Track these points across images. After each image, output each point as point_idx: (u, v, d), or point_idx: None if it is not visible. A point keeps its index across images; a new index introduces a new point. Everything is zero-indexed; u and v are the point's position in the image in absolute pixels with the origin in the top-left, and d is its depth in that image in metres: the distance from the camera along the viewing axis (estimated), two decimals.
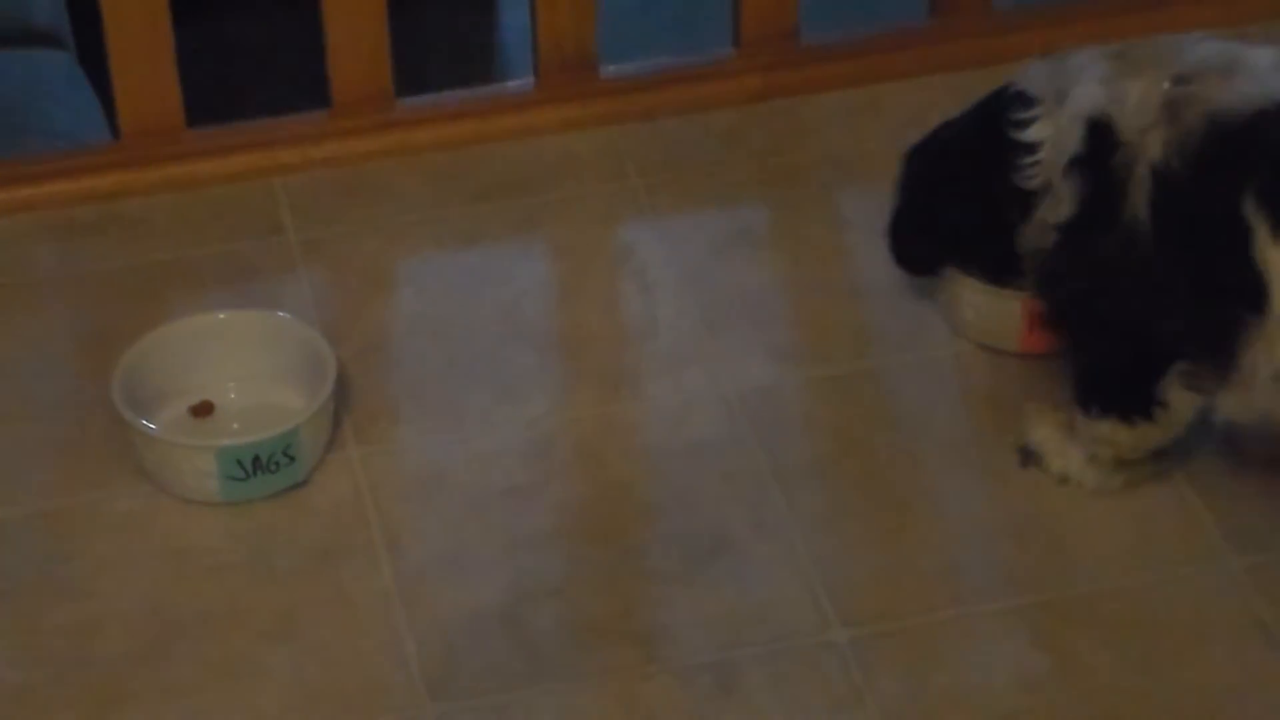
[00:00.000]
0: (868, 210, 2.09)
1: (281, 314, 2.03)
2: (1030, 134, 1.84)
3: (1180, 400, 1.84)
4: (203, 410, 1.97)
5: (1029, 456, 1.94)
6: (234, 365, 1.99)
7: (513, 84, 2.40)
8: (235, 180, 2.25)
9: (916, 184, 1.99)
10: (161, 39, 2.24)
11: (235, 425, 1.96)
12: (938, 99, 2.30)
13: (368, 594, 1.84)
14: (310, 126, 2.29)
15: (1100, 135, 1.79)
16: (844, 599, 1.83)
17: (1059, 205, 1.82)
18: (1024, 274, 1.92)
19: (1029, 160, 1.84)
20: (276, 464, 1.89)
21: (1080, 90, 1.82)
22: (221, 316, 2.01)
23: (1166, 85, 1.78)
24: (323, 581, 1.85)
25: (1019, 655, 1.78)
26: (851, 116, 2.31)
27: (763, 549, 1.87)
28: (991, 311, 2.02)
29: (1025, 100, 1.86)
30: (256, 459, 1.88)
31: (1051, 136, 1.83)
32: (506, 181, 2.26)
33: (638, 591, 1.84)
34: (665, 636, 1.80)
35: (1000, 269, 1.96)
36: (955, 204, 1.96)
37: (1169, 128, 1.76)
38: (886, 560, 1.87)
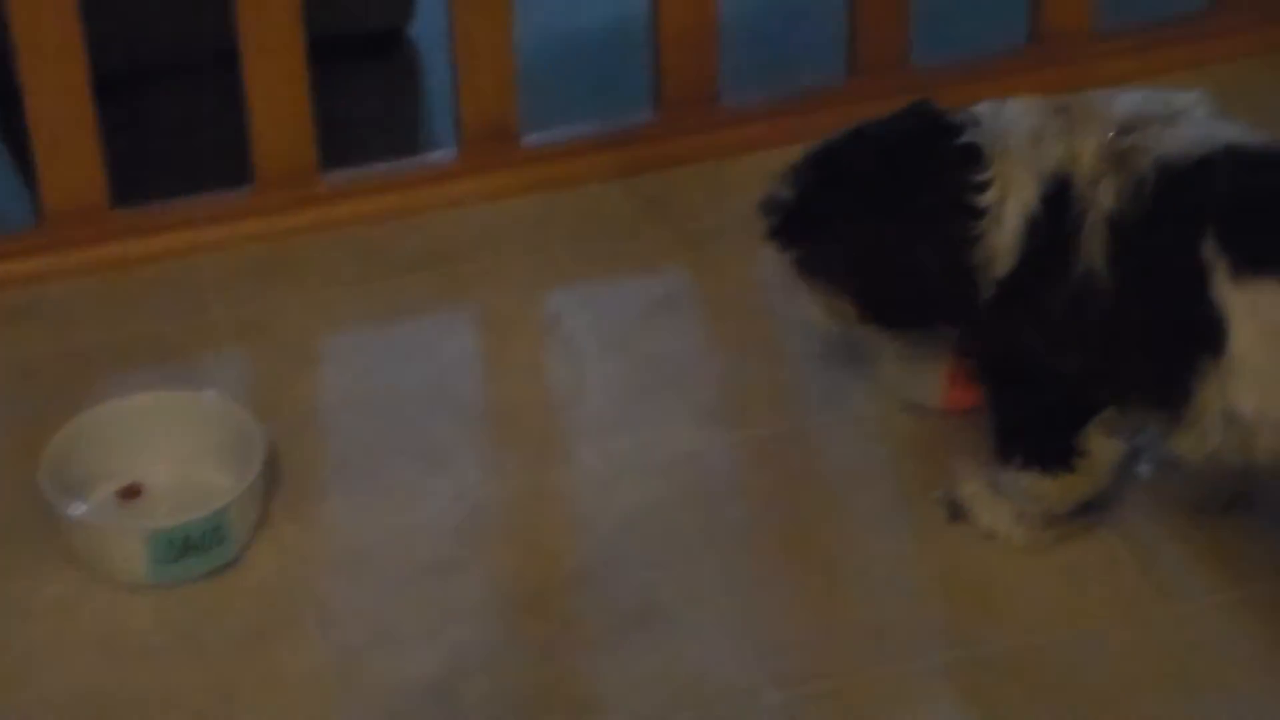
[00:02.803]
0: (787, 272, 2.10)
1: (209, 393, 2.03)
2: (985, 197, 1.82)
3: (1102, 448, 1.86)
4: (131, 493, 1.97)
5: (956, 511, 1.96)
6: (162, 446, 1.99)
7: (435, 155, 2.42)
8: (160, 260, 2.26)
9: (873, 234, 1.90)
10: (85, 120, 2.24)
11: (164, 507, 1.96)
12: None
13: (301, 671, 1.84)
14: (234, 204, 2.31)
15: (1059, 192, 1.80)
16: (776, 661, 1.84)
17: (1001, 259, 1.82)
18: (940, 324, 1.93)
19: (979, 220, 1.83)
20: (207, 544, 1.89)
21: (1041, 148, 1.82)
22: (148, 398, 2.02)
23: (1111, 135, 1.80)
24: (255, 660, 1.85)
25: (950, 711, 1.80)
26: (772, 178, 2.32)
27: (694, 614, 1.88)
28: (913, 370, 2.04)
29: (976, 156, 1.83)
30: (186, 540, 1.88)
31: (1001, 195, 1.82)
32: (431, 253, 2.27)
33: (570, 660, 1.85)
34: (599, 705, 1.81)
35: (923, 319, 1.94)
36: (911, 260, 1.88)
37: (1118, 176, 1.78)
38: (817, 620, 1.88)
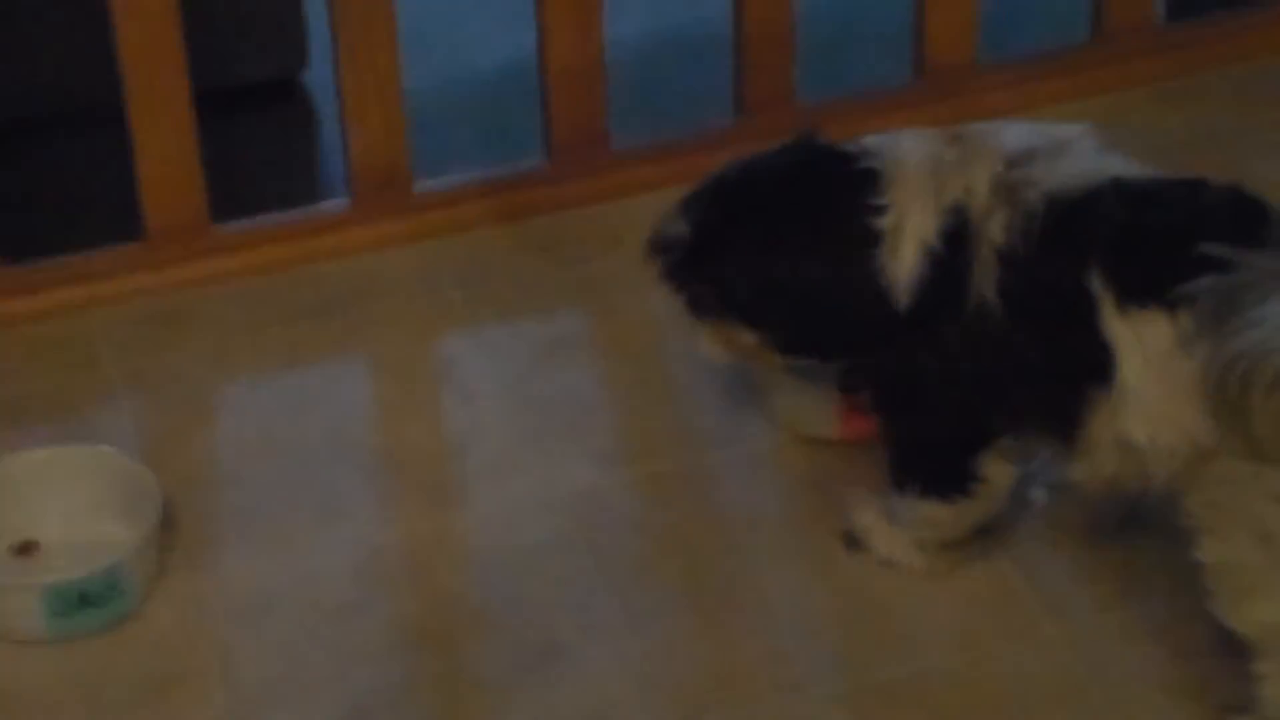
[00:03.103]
0: (681, 311, 2.11)
1: (104, 448, 2.02)
2: (883, 222, 1.83)
3: (998, 473, 1.88)
4: (26, 549, 1.96)
5: (854, 542, 1.97)
6: (57, 502, 1.98)
7: (327, 204, 2.42)
8: (52, 316, 2.25)
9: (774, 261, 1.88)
10: None
11: (60, 562, 1.95)
12: None
13: None
14: (125, 258, 2.30)
15: (956, 224, 1.82)
16: (675, 695, 1.84)
17: (899, 289, 1.83)
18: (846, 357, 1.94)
19: (878, 247, 1.83)
20: (104, 598, 1.88)
21: (939, 179, 1.83)
22: (43, 454, 2.01)
23: (999, 169, 1.82)
24: (156, 713, 1.84)
25: None
26: (657, 217, 2.33)
27: (594, 650, 1.88)
28: (807, 402, 2.06)
29: (873, 181, 1.84)
30: (83, 595, 1.87)
31: (898, 225, 1.82)
32: (325, 302, 2.28)
33: (473, 701, 1.85)
34: None
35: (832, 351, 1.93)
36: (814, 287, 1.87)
37: (1007, 210, 1.80)
38: (716, 653, 1.89)
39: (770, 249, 1.87)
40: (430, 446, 2.11)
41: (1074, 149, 1.84)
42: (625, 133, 2.46)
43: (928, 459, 1.90)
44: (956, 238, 1.81)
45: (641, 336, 2.22)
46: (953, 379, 1.84)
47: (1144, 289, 1.74)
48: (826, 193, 1.87)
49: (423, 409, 2.16)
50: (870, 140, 1.89)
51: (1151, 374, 1.74)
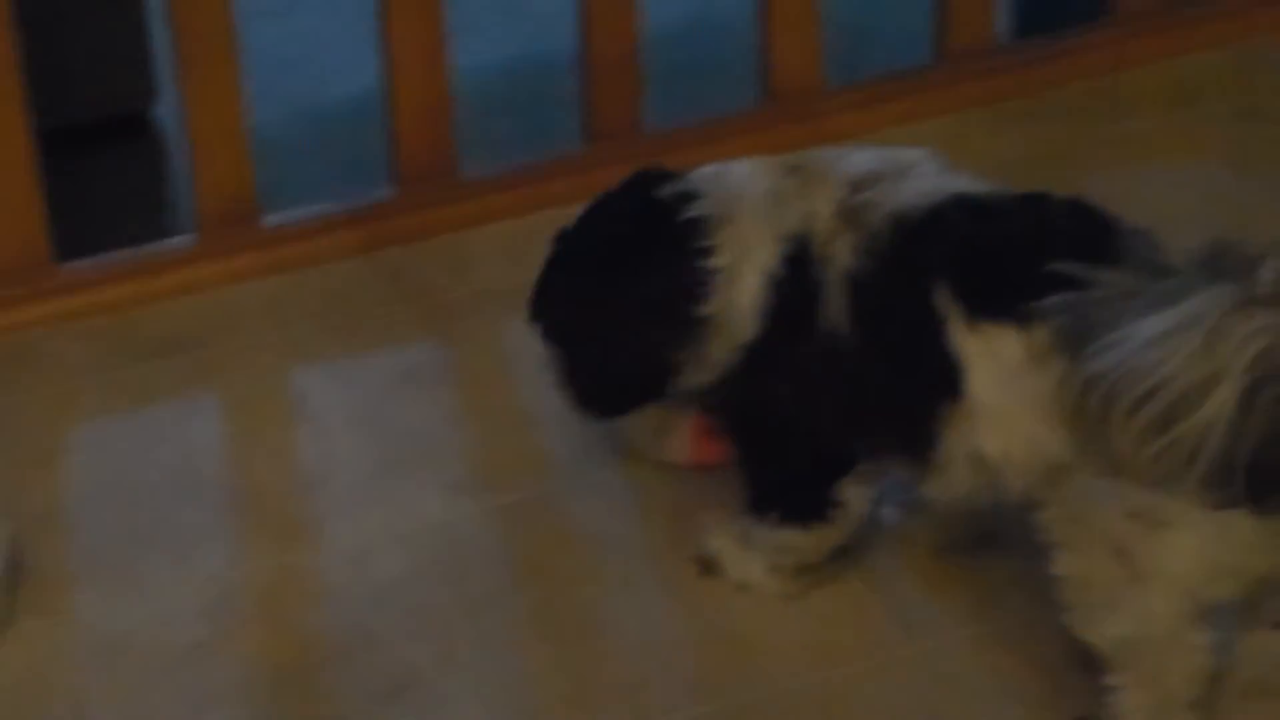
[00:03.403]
0: (533, 340, 2.11)
1: None
2: (716, 261, 1.84)
3: (855, 497, 1.89)
4: None
5: (708, 566, 1.97)
6: None
7: (174, 240, 2.40)
8: None
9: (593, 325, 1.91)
10: None
11: None
12: None
13: None
14: None
15: (799, 252, 1.83)
16: None
17: (742, 324, 1.85)
18: (686, 394, 1.94)
19: (710, 288, 1.85)
20: None
21: (779, 210, 1.84)
22: None
23: (843, 194, 1.83)
24: None
25: None
26: (514, 247, 2.34)
27: (451, 682, 1.87)
28: (660, 427, 2.06)
29: (697, 228, 1.86)
30: None
31: (736, 260, 1.84)
32: (173, 339, 2.26)
33: None
34: None
35: (663, 392, 1.94)
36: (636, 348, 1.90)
37: (852, 233, 1.81)
38: (574, 682, 1.88)
39: (575, 306, 1.92)
40: (282, 482, 2.10)
41: (917, 171, 1.86)
42: (474, 162, 2.46)
43: (785, 487, 1.91)
44: (800, 264, 1.82)
45: (493, 365, 2.22)
46: (807, 404, 1.85)
47: (991, 302, 1.75)
48: (642, 248, 1.88)
49: (274, 444, 2.15)
50: (705, 174, 1.90)
51: (1003, 388, 1.75)
